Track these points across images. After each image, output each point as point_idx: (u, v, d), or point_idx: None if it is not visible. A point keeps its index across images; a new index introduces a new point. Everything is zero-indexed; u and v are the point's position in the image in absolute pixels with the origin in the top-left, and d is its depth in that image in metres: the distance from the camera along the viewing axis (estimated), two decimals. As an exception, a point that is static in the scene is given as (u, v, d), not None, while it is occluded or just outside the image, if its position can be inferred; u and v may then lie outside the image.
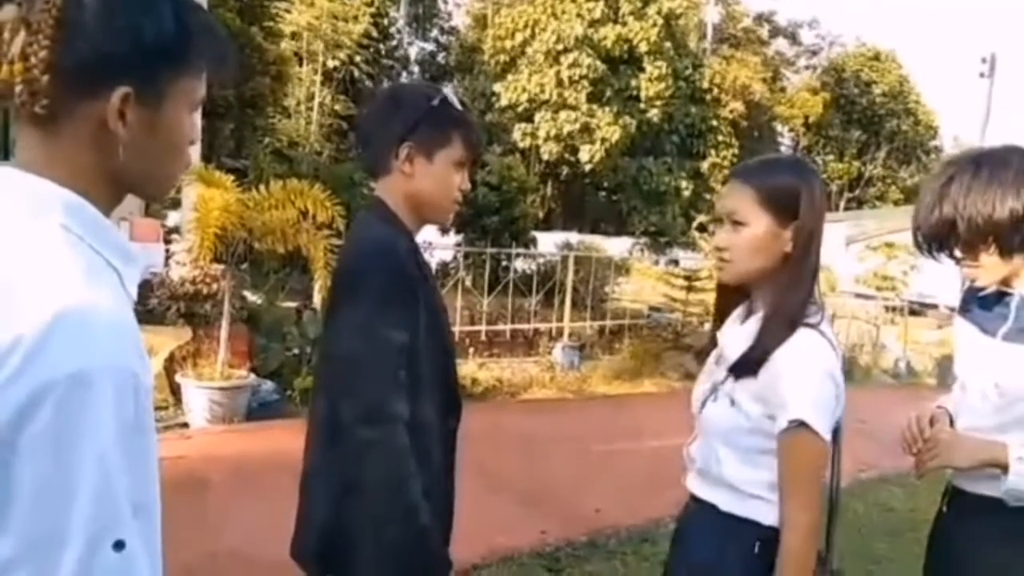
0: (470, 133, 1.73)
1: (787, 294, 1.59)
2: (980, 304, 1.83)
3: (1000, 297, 1.77)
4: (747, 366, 1.60)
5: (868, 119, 36.83)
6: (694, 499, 1.75)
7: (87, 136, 0.91)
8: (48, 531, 0.78)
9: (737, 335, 1.69)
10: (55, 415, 0.77)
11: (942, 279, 15.82)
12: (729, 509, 1.64)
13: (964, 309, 1.90)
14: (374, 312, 1.53)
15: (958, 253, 1.73)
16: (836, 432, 1.63)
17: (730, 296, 1.78)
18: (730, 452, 1.64)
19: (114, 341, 0.83)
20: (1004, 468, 1.64)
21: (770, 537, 1.58)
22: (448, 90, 1.74)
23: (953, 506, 1.87)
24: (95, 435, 0.79)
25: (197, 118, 1.07)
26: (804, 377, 1.55)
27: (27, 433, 0.77)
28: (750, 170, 1.70)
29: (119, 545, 0.81)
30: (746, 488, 1.62)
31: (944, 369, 12.33)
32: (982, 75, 23.04)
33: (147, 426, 0.88)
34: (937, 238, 1.74)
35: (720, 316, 1.81)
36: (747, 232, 1.61)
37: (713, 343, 1.81)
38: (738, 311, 1.76)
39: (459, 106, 1.71)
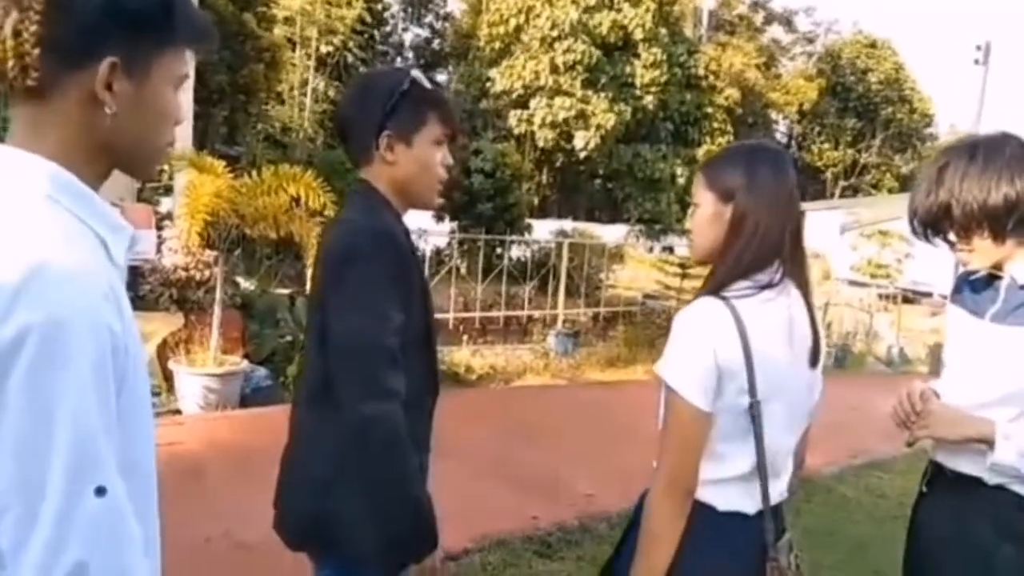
0: (444, 110, 1.73)
1: (716, 267, 1.66)
2: (971, 288, 1.87)
3: (990, 280, 1.82)
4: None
5: (864, 107, 36.81)
6: None
7: (75, 109, 0.95)
8: (29, 475, 0.81)
9: None
10: (34, 358, 0.81)
11: (936, 267, 15.89)
12: None
13: (956, 293, 1.94)
14: (374, 292, 1.54)
15: (952, 237, 1.78)
16: (754, 414, 1.56)
17: None
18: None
19: (90, 296, 0.87)
20: (990, 444, 1.68)
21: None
22: (415, 71, 1.72)
23: (933, 486, 1.90)
24: (72, 380, 0.82)
25: (188, 100, 1.09)
26: (674, 337, 1.59)
27: (9, 377, 0.80)
28: (709, 158, 1.82)
29: (100, 491, 0.83)
30: None
31: (937, 356, 12.38)
32: (977, 62, 23.02)
33: (132, 385, 0.92)
34: (933, 223, 1.79)
35: None
36: (700, 212, 1.71)
37: None
38: None
39: (428, 85, 1.71)
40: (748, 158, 1.68)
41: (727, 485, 1.60)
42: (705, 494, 1.59)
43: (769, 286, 1.60)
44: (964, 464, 1.77)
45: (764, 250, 1.60)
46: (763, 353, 1.55)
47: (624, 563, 1.67)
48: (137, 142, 1.01)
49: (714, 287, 1.61)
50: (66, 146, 0.95)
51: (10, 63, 0.91)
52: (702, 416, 1.54)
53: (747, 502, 1.61)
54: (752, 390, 1.54)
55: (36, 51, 0.90)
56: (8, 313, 0.81)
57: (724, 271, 1.62)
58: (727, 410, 1.56)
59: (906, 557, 2.00)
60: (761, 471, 1.60)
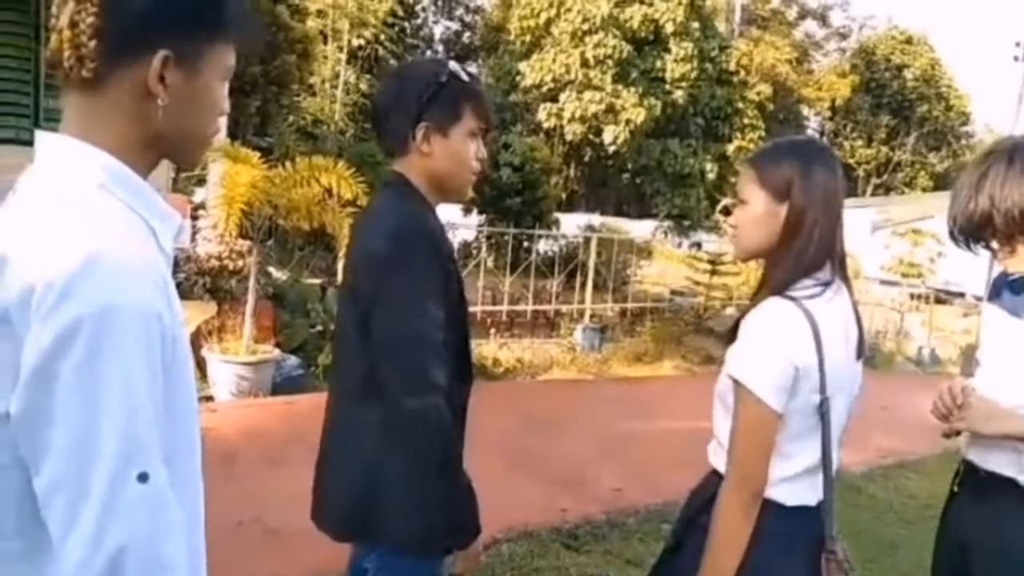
0: (480, 103, 1.73)
1: (774, 268, 1.65)
2: (1010, 289, 1.86)
3: None
4: (731, 332, 1.68)
5: (898, 103, 36.25)
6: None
7: (128, 100, 0.97)
8: (78, 462, 0.83)
9: None
10: (87, 346, 0.82)
11: (969, 267, 15.62)
12: (715, 463, 1.72)
13: (994, 295, 1.92)
14: (417, 286, 1.56)
15: (995, 245, 1.77)
16: (824, 410, 1.59)
17: None
18: (720, 409, 1.70)
19: (141, 285, 0.88)
20: None
21: None
22: (453, 63, 1.73)
23: (964, 486, 1.90)
24: (121, 369, 0.84)
25: (226, 89, 1.11)
26: (749, 338, 1.59)
27: (63, 364, 0.82)
28: (757, 153, 1.77)
29: (143, 477, 0.85)
30: (726, 442, 1.68)
31: (969, 358, 12.19)
32: (1016, 59, 22.60)
33: (179, 374, 0.94)
34: (974, 231, 1.78)
35: None
36: (748, 209, 1.68)
37: None
38: None
39: (466, 78, 1.72)
40: (801, 155, 1.66)
41: (794, 481, 1.62)
42: (772, 492, 1.60)
43: (827, 284, 1.61)
44: (997, 464, 1.77)
45: (821, 249, 1.61)
46: (830, 351, 1.57)
47: (686, 563, 1.67)
48: (186, 133, 1.03)
49: (777, 287, 1.61)
50: (119, 137, 0.97)
51: (66, 53, 0.93)
52: (774, 417, 1.55)
53: (811, 494, 1.64)
54: (823, 387, 1.56)
55: (92, 42, 0.92)
56: (61, 301, 0.82)
57: (784, 271, 1.61)
58: (799, 410, 1.57)
59: (936, 559, 1.99)
60: (825, 463, 1.62)
